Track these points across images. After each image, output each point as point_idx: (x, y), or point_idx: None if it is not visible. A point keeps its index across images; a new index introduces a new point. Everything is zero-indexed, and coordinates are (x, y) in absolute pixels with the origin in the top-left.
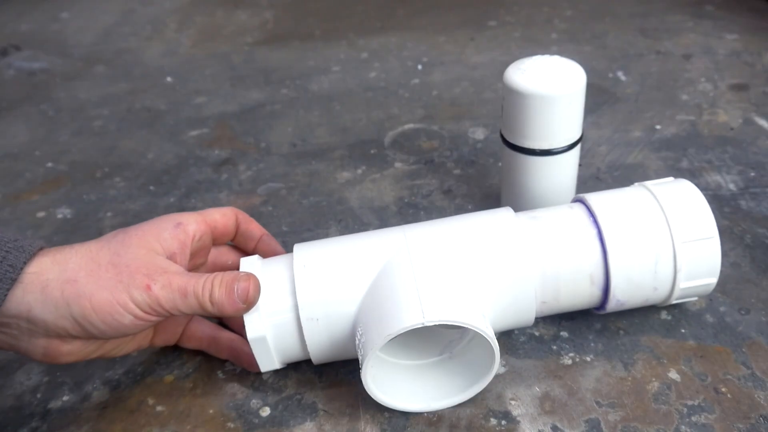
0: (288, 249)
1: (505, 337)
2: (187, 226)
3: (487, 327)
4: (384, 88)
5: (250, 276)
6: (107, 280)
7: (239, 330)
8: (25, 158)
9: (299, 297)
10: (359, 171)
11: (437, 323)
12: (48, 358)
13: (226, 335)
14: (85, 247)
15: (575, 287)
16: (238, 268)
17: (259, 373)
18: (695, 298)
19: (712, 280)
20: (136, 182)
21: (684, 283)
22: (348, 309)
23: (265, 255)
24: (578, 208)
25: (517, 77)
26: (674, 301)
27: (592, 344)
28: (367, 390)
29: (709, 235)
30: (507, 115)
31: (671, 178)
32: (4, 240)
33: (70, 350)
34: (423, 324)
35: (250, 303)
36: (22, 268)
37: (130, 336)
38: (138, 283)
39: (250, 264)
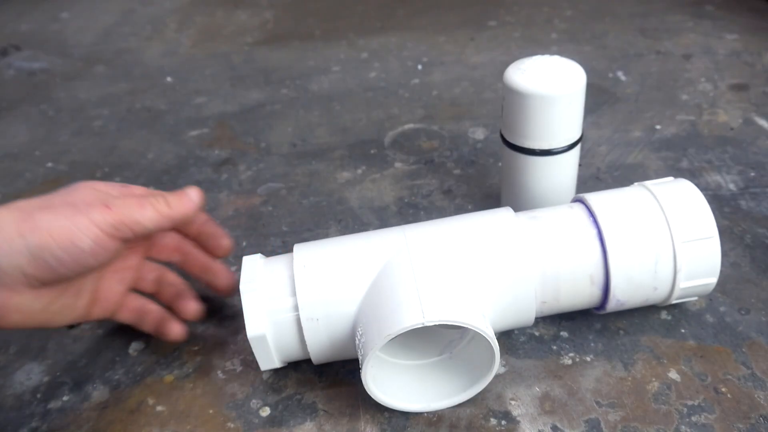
0: (288, 249)
1: (505, 337)
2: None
3: (487, 327)
4: (384, 88)
5: (191, 186)
6: (64, 211)
7: (169, 302)
8: (25, 158)
9: (299, 297)
10: (359, 171)
11: (437, 323)
12: None
13: (154, 307)
14: (35, 198)
15: (575, 287)
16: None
17: (259, 373)
18: (695, 298)
19: (712, 279)
20: (136, 182)
21: (684, 283)
22: (348, 309)
23: (206, 237)
24: (578, 208)
25: (517, 77)
26: (674, 301)
27: (592, 344)
28: (367, 390)
29: (709, 234)
30: (507, 115)
31: (671, 178)
32: None
33: (19, 305)
34: (423, 324)
35: (197, 200)
36: None
37: (85, 284)
38: (97, 208)
39: (252, 262)
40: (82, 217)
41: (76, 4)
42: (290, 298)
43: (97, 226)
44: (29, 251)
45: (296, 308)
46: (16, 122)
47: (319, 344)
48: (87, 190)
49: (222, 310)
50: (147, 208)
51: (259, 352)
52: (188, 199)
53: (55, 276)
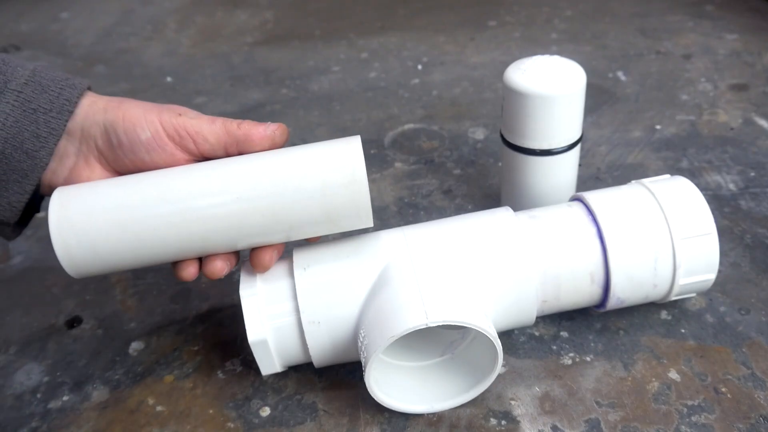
0: (288, 252)
1: (505, 337)
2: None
3: (489, 327)
4: (384, 88)
5: (280, 123)
6: (147, 105)
7: None
8: None
9: (300, 300)
10: None
11: (441, 324)
12: (69, 184)
13: None
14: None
15: (576, 286)
16: None
17: (259, 373)
18: (694, 295)
19: (711, 276)
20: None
21: (683, 280)
22: (350, 312)
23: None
24: (577, 207)
25: (517, 77)
26: (673, 298)
27: (592, 344)
28: (370, 392)
29: (707, 231)
30: (507, 115)
31: (668, 176)
32: (57, 78)
33: (89, 179)
34: (427, 325)
35: (276, 135)
36: (76, 102)
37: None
38: (171, 111)
39: (251, 266)
40: (153, 113)
41: (76, 4)
42: (291, 302)
43: (161, 122)
44: (103, 124)
45: (297, 312)
46: None
47: (321, 348)
48: (184, 107)
49: (222, 310)
50: (216, 122)
51: (260, 356)
52: (262, 127)
53: (116, 157)
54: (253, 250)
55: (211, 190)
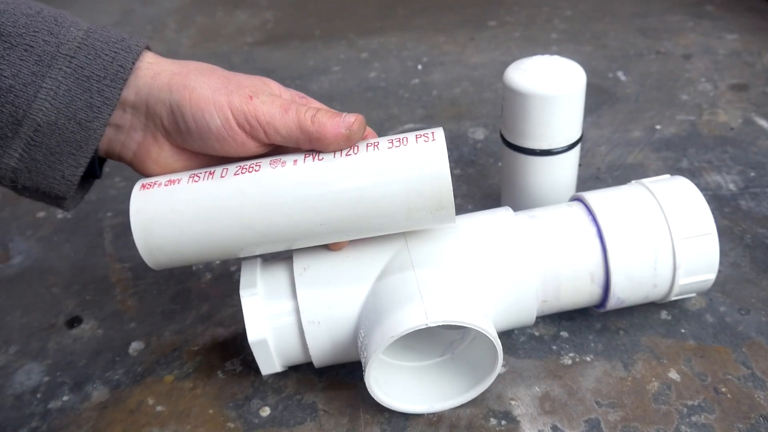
0: (288, 253)
1: (505, 337)
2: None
3: (489, 327)
4: (384, 88)
5: (357, 114)
6: (214, 82)
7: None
8: None
9: (300, 301)
10: None
11: (441, 324)
12: (137, 160)
13: None
14: (204, 62)
15: (576, 286)
16: None
17: (259, 373)
18: (694, 295)
19: (711, 275)
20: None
21: (683, 280)
22: (350, 312)
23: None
24: (577, 207)
25: (517, 77)
26: (673, 298)
27: (592, 344)
28: (370, 392)
29: (707, 231)
30: (507, 115)
31: (668, 176)
32: (111, 40)
33: (157, 158)
34: (427, 325)
35: (352, 132)
36: (131, 69)
37: (207, 153)
38: (241, 93)
39: (251, 267)
40: (222, 96)
41: (76, 3)
42: (291, 302)
43: (231, 108)
44: (169, 104)
45: (297, 312)
46: None
47: (321, 348)
48: (255, 80)
49: (222, 310)
50: (290, 113)
51: (260, 356)
52: (339, 123)
53: (184, 141)
54: None
55: (294, 196)
